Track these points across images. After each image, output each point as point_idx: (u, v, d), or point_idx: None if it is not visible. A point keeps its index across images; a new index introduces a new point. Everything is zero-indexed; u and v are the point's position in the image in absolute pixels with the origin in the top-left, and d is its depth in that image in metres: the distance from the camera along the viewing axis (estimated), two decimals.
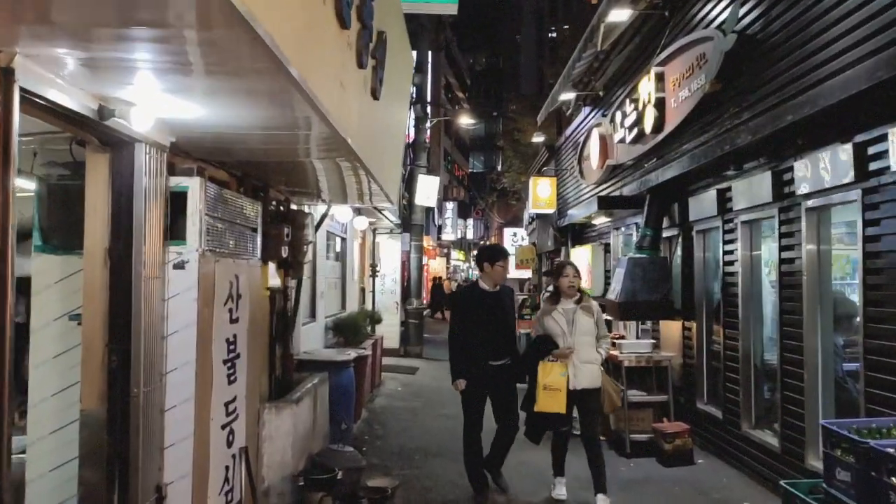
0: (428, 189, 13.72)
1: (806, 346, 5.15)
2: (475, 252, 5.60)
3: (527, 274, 26.02)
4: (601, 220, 9.93)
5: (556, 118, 13.68)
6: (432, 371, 13.29)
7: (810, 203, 5.11)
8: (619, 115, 8.43)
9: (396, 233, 14.61)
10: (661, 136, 7.14)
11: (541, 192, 11.93)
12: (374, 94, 4.63)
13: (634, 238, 9.70)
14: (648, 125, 7.28)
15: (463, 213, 42.56)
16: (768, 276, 6.03)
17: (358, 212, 11.02)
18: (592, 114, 10.50)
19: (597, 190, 10.50)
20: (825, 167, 4.81)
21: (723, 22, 5.73)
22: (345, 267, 11.15)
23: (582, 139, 10.90)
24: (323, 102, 3.25)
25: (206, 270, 3.98)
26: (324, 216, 7.69)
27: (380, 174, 5.99)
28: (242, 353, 4.61)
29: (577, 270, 5.71)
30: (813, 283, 5.13)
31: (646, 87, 7.33)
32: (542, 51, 36.01)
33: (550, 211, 12.23)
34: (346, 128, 3.74)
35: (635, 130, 7.77)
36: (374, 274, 13.76)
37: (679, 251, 7.70)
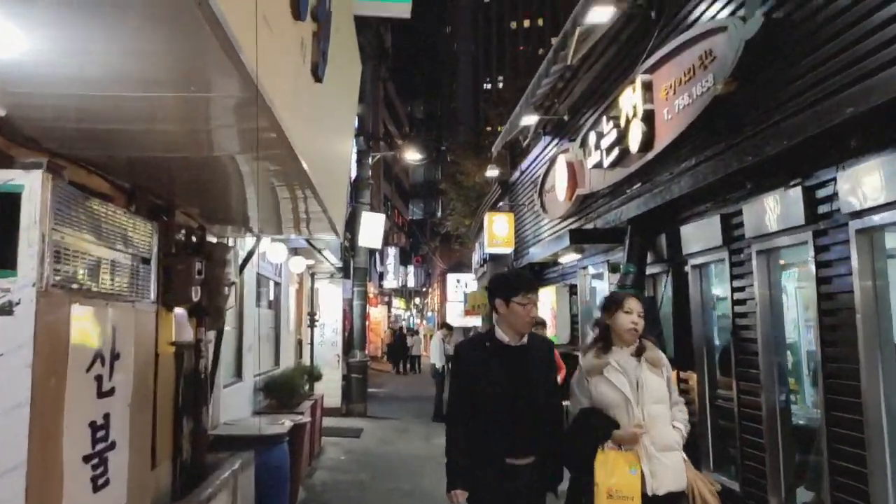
0: (372, 228, 12.45)
1: (865, 401, 4.04)
2: (486, 286, 3.84)
3: (476, 321, 24.85)
4: (568, 258, 8.85)
5: (510, 152, 12.73)
6: (379, 432, 11.75)
7: (860, 223, 4.07)
8: (592, 136, 7.43)
9: (338, 277, 13.19)
10: (650, 155, 6.12)
11: (497, 230, 10.85)
12: (316, 72, 3.37)
13: (607, 277, 8.65)
14: (634, 143, 6.26)
15: (404, 260, 41.34)
16: (799, 315, 4.96)
17: (294, 252, 9.60)
18: (555, 141, 9.53)
19: (562, 225, 9.44)
20: (883, 177, 3.79)
21: (739, 6, 4.78)
22: (279, 316, 9.65)
23: (543, 170, 9.89)
24: (239, 40, 1.98)
25: (52, 318, 2.56)
26: (251, 252, 6.28)
27: (323, 191, 4.69)
28: (121, 442, 3.14)
29: (641, 306, 3.62)
30: (870, 322, 4.06)
31: (629, 99, 6.34)
32: (480, 94, 35.79)
33: (508, 250, 11.14)
34: (272, 93, 2.46)
35: (615, 151, 6.76)
36: (312, 324, 12.25)
37: (668, 290, 6.62)
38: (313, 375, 10.01)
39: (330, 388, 13.14)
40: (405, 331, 30.48)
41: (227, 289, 5.36)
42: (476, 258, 17.51)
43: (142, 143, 3.11)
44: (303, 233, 6.10)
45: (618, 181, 6.96)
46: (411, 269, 44.41)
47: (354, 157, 14.28)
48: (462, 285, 33.01)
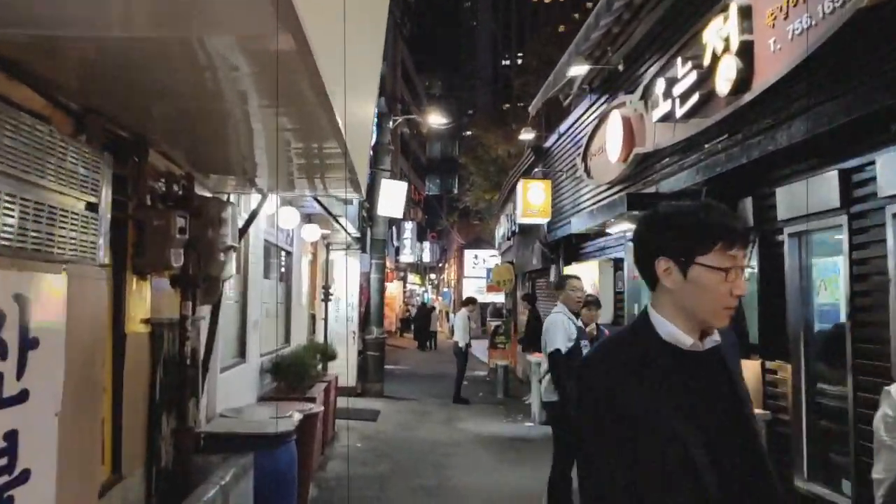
0: (393, 197, 11.32)
1: None
2: (636, 232, 2.32)
3: (499, 297, 23.80)
4: (618, 229, 7.68)
5: (545, 116, 11.49)
6: (397, 415, 10.73)
7: None
8: (659, 84, 6.21)
9: (354, 249, 12.09)
10: (745, 98, 4.92)
11: (532, 198, 9.68)
12: None
13: None
14: (724, 84, 5.05)
15: (420, 235, 40.24)
16: None
17: (308, 219, 8.49)
18: (605, 97, 8.30)
19: (609, 192, 8.25)
20: None
21: None
22: (290, 289, 8.58)
23: (588, 131, 8.67)
24: None
25: None
26: (255, 212, 5.18)
27: (349, 138, 3.58)
28: (40, 468, 2.07)
29: None
30: None
31: (718, 32, 5.12)
32: (500, 68, 34.27)
33: (542, 220, 9.97)
34: None
35: (693, 98, 5.55)
36: (326, 298, 11.19)
37: (754, 263, 5.44)
38: (327, 355, 8.96)
39: (345, 367, 12.11)
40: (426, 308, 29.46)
41: (222, 254, 4.26)
42: (500, 232, 16.34)
43: (106, 50, 1.98)
44: (318, 188, 4.97)
45: (693, 135, 5.76)
46: (427, 244, 43.34)
47: (375, 118, 13.11)
48: (480, 261, 32.00)
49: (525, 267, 13.14)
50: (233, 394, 5.76)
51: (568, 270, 10.41)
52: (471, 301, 13.45)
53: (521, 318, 15.24)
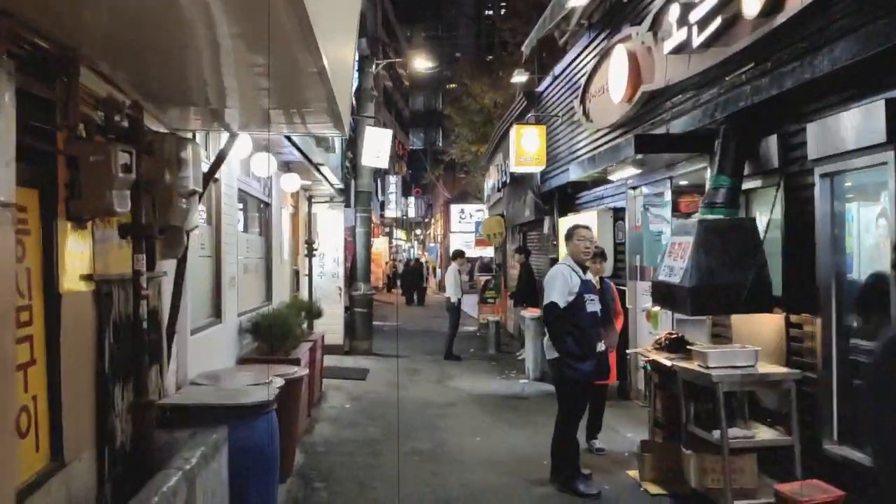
0: (378, 145, 10.63)
1: None
2: None
3: (488, 252, 23.31)
4: (621, 175, 7.12)
5: (538, 58, 10.77)
6: (387, 373, 10.28)
7: None
8: (672, 11, 5.56)
9: (338, 202, 11.47)
10: (778, 19, 4.31)
11: (526, 145, 9.04)
12: None
13: (667, 197, 6.95)
14: (753, 4, 4.43)
15: (405, 191, 39.45)
16: None
17: (286, 167, 7.84)
18: (605, 32, 7.62)
19: (609, 136, 7.66)
20: None
21: None
22: (270, 243, 7.98)
23: (588, 69, 8.02)
24: None
25: None
26: (223, 153, 4.54)
27: (330, 61, 2.98)
28: None
29: None
30: None
31: None
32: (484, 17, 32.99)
33: (536, 169, 9.36)
34: None
35: (714, 23, 4.93)
36: (310, 253, 10.60)
37: (778, 208, 4.92)
38: (312, 312, 8.43)
39: (331, 324, 11.60)
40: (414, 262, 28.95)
41: (184, 200, 3.66)
42: (489, 184, 15.72)
43: None
44: (295, 124, 4.33)
45: (711, 66, 5.15)
46: (412, 199, 42.59)
47: (356, 61, 12.31)
48: (467, 216, 31.42)
49: (516, 219, 12.59)
50: (208, 357, 5.22)
51: (563, 222, 9.87)
52: (460, 255, 12.88)
53: (512, 273, 14.77)
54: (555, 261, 10.90)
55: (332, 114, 3.63)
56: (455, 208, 31.52)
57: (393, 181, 29.54)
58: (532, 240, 12.75)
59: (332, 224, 11.64)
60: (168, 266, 4.08)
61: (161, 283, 3.81)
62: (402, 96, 47.33)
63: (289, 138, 6.42)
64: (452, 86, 28.62)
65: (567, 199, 9.94)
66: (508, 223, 13.78)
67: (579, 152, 8.80)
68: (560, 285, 4.99)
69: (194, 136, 4.64)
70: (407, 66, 15.34)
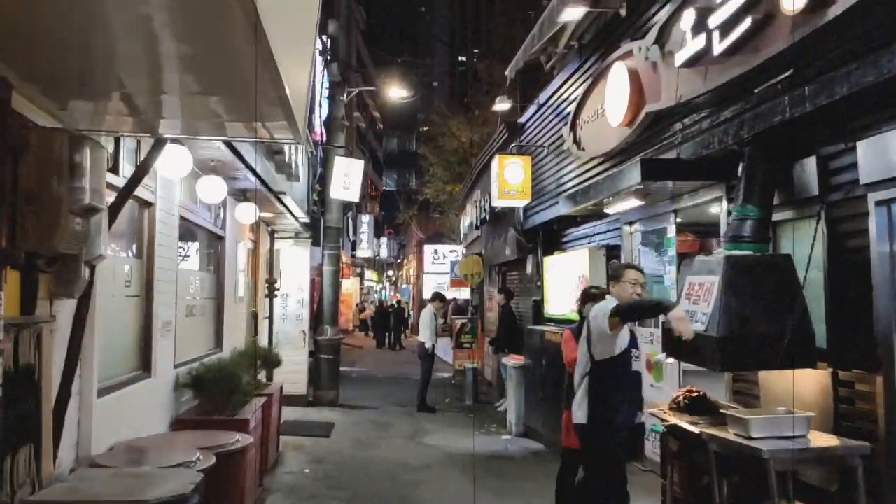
0: (348, 176, 9.75)
1: None
2: None
3: (462, 293, 22.34)
4: (620, 207, 6.33)
5: (521, 88, 10.09)
6: (354, 429, 9.20)
7: None
8: (686, 18, 4.84)
9: (304, 237, 10.50)
10: (831, 13, 3.58)
11: (510, 177, 8.24)
12: None
13: (671, 233, 6.17)
14: None
15: (377, 231, 38.56)
16: None
17: (242, 195, 6.91)
18: (597, 57, 6.93)
19: (602, 167, 6.90)
20: None
21: None
22: (222, 281, 6.98)
23: (579, 95, 7.30)
24: None
25: None
26: (146, 164, 3.61)
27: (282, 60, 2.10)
28: None
29: None
30: None
31: None
32: (461, 54, 32.78)
33: (521, 202, 8.55)
34: None
35: (744, 24, 4.20)
36: (272, 293, 9.59)
37: (819, 243, 4.14)
38: (270, 360, 7.39)
39: (294, 372, 10.52)
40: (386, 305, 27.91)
41: (78, 220, 2.72)
42: (466, 222, 14.91)
43: None
44: (242, 127, 3.42)
45: (735, 77, 4.42)
46: (384, 240, 41.68)
47: (325, 87, 11.53)
48: (440, 256, 30.59)
49: (496, 259, 11.74)
50: (131, 421, 4.19)
51: (549, 261, 9.06)
52: (438, 297, 11.87)
53: (490, 316, 13.87)
54: (539, 304, 10.09)
55: (282, 105, 2.74)
56: (428, 249, 30.69)
57: (365, 220, 28.65)
58: (513, 280, 11.90)
59: (296, 262, 10.65)
60: (64, 309, 3.11)
61: (43, 331, 2.82)
62: (375, 136, 46.86)
63: (243, 160, 5.52)
64: (426, 129, 28.05)
65: (553, 236, 9.14)
66: (487, 263, 12.94)
67: (567, 185, 8.03)
68: (622, 335, 4.19)
69: (117, 144, 3.72)
70: (380, 96, 14.58)
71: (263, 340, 9.57)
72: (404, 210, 32.36)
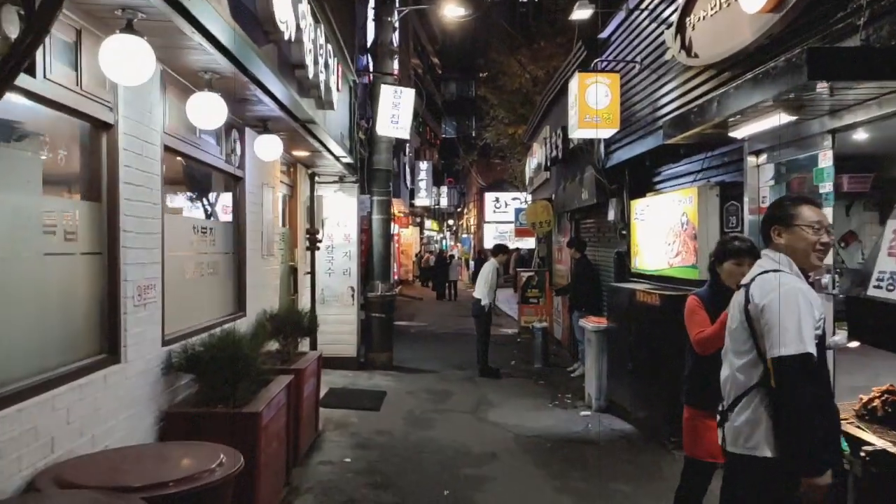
0: (397, 108, 8.21)
1: None
2: None
3: (526, 244, 20.73)
4: (751, 129, 4.60)
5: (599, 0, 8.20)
6: (408, 399, 7.93)
7: None
8: None
9: (349, 181, 9.11)
10: None
11: (593, 100, 6.44)
12: None
13: (824, 162, 4.41)
14: None
15: (436, 180, 37.02)
16: None
17: (263, 126, 5.51)
18: None
19: (727, 75, 5.13)
20: None
21: None
22: (241, 232, 5.65)
23: None
24: None
25: None
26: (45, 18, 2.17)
27: None
28: None
29: None
30: None
31: None
32: None
33: (607, 132, 6.76)
34: None
35: None
36: (313, 246, 8.30)
37: None
38: (302, 325, 6.09)
39: (342, 332, 9.34)
40: (445, 255, 26.68)
41: None
42: (532, 164, 13.20)
43: None
44: None
45: None
46: (444, 189, 40.15)
47: (371, 7, 9.92)
48: (502, 204, 28.93)
49: (568, 204, 10.08)
50: (81, 429, 2.92)
51: (638, 205, 7.37)
52: (502, 250, 10.27)
53: (559, 269, 12.30)
54: (622, 256, 8.46)
55: None
56: (489, 196, 29.05)
57: (423, 167, 27.13)
58: (588, 229, 10.25)
59: (342, 209, 9.30)
60: None
61: None
62: (434, 82, 44.83)
63: (243, 69, 4.07)
64: (484, 74, 25.95)
65: (643, 175, 7.43)
66: (557, 209, 11.27)
67: (666, 108, 6.27)
68: (807, 316, 2.44)
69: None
70: (432, 23, 12.78)
71: (305, 299, 8.32)
72: (464, 156, 30.61)
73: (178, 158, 4.41)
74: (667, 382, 5.72)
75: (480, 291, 9.44)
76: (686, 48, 5.50)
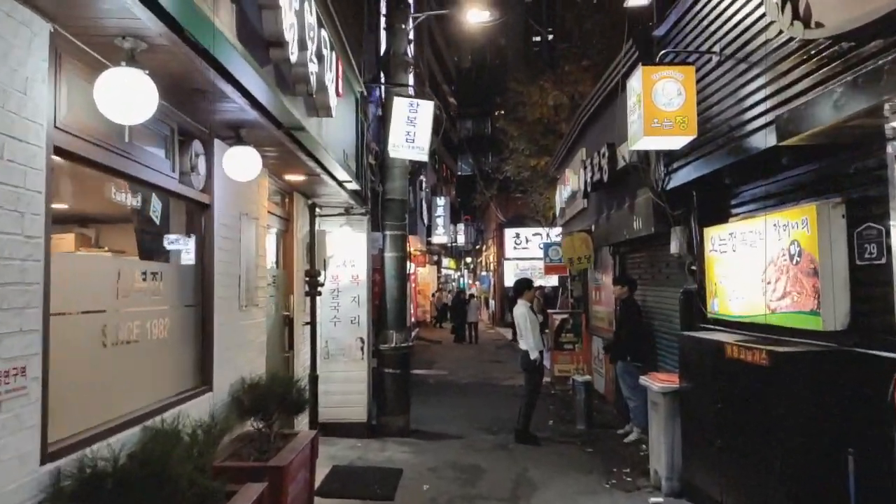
0: (415, 125, 6.77)
1: None
2: None
3: (551, 280, 19.16)
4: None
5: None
6: (429, 480, 6.32)
7: None
8: None
9: (357, 213, 7.67)
10: None
11: (662, 100, 4.92)
12: None
13: None
14: None
15: (453, 217, 35.71)
16: None
17: (234, 134, 4.08)
18: None
19: (856, 53, 3.64)
20: None
21: None
22: (207, 277, 4.19)
23: None
24: None
25: None
26: None
27: None
28: None
29: None
30: None
31: None
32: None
33: (682, 139, 5.17)
34: None
35: None
36: (313, 290, 6.82)
37: None
38: (293, 398, 4.57)
39: (350, 392, 7.80)
40: (464, 294, 25.19)
41: None
42: (563, 194, 11.73)
43: None
44: None
45: None
46: (461, 226, 38.78)
47: (382, 14, 8.61)
48: (523, 240, 27.44)
49: (613, 236, 8.55)
50: None
51: (713, 234, 5.83)
52: (527, 286, 8.58)
53: (597, 310, 10.72)
54: (691, 296, 6.89)
55: None
56: (509, 232, 27.53)
57: (441, 203, 25.80)
58: (636, 264, 8.70)
59: (350, 247, 7.86)
60: None
61: None
62: (449, 120, 43.99)
63: (190, 43, 2.66)
64: (501, 111, 24.69)
65: (719, 196, 5.91)
66: (598, 242, 9.74)
67: (758, 108, 4.78)
68: None
69: None
70: (453, 17, 11.47)
71: (305, 356, 6.81)
72: (482, 190, 29.27)
73: (89, 171, 2.98)
74: (781, 472, 4.12)
75: (527, 342, 7.86)
76: (801, 17, 4.03)
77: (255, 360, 5.05)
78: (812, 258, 4.31)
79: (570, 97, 17.79)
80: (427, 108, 6.93)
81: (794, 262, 4.50)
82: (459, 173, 48.33)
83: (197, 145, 4.04)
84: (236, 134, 4.08)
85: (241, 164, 4.05)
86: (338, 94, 5.10)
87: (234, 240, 4.60)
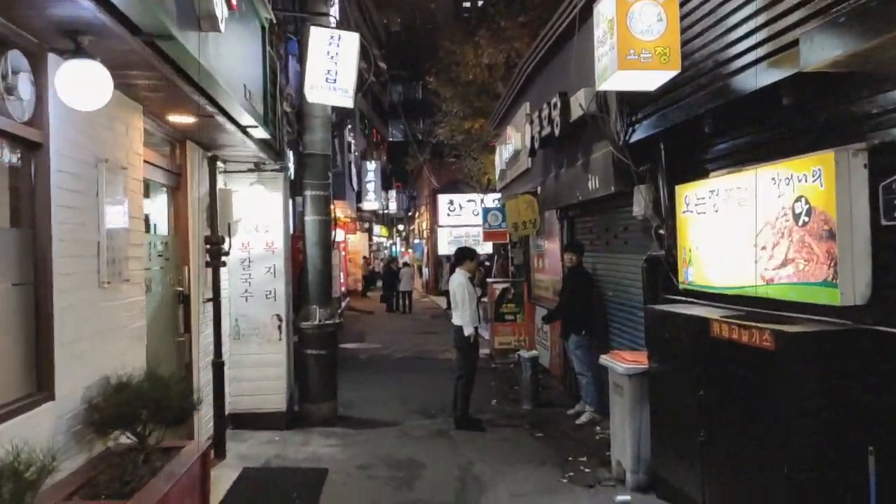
0: (337, 61, 5.53)
1: None
2: None
3: (485, 247, 18.32)
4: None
5: None
6: (359, 481, 5.33)
7: None
8: None
9: (270, 170, 6.45)
10: None
11: (640, 28, 3.93)
12: None
13: None
14: None
15: (384, 183, 34.33)
16: None
17: (74, 45, 2.78)
18: None
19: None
20: None
21: None
22: (39, 243, 2.96)
23: None
24: None
25: None
26: None
27: None
28: None
29: None
30: None
31: None
32: None
33: (664, 75, 4.22)
34: None
35: None
36: (217, 260, 5.61)
37: None
38: (173, 402, 3.43)
39: (266, 378, 6.69)
40: (395, 263, 24.20)
41: None
42: (504, 155, 10.76)
43: None
44: None
45: None
46: (393, 193, 37.48)
47: None
48: (456, 207, 26.52)
49: (563, 198, 7.67)
50: None
51: (688, 193, 5.00)
52: (468, 255, 7.58)
53: (539, 278, 9.92)
54: (658, 263, 6.07)
55: None
56: (443, 199, 26.51)
57: (371, 167, 24.44)
58: (586, 229, 7.89)
59: (263, 209, 6.66)
60: None
61: None
62: (380, 84, 42.24)
63: None
64: (433, 72, 23.47)
65: (691, 149, 5.07)
66: (544, 205, 8.86)
67: (747, 41, 3.90)
68: None
69: None
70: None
71: (206, 338, 5.62)
72: (416, 154, 28.00)
73: None
74: (789, 473, 3.36)
75: (462, 317, 6.89)
76: None
77: (127, 351, 3.86)
78: (826, 217, 3.50)
79: (505, 56, 16.80)
80: (351, 42, 5.73)
81: (801, 222, 3.69)
82: (391, 139, 46.80)
83: (16, 58, 2.79)
84: (76, 44, 2.85)
85: (78, 83, 2.83)
86: (231, 6, 3.88)
87: (86, 195, 3.38)
